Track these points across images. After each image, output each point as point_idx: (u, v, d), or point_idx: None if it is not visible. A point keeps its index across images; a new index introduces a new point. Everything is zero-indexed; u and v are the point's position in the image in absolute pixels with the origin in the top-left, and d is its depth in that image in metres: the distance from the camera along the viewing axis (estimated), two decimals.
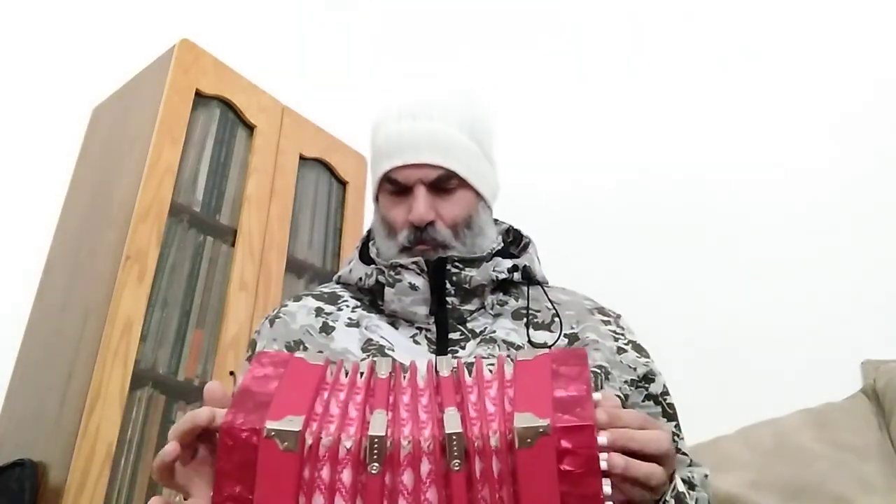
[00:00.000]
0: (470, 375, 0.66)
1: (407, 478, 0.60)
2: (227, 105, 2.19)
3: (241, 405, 0.62)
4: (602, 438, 0.59)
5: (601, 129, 2.27)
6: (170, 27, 2.28)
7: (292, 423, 0.60)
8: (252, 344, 1.03)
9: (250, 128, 2.23)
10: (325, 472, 0.60)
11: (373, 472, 0.59)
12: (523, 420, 0.58)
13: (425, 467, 0.60)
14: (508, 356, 0.83)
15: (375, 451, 0.60)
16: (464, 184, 0.97)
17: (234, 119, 2.21)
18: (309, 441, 0.60)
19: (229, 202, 2.11)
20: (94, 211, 1.96)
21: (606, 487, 0.58)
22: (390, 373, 0.66)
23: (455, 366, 0.66)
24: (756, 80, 2.06)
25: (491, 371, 0.65)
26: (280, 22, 2.89)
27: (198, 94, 2.08)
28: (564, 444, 0.57)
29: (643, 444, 0.63)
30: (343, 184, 2.48)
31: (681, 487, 0.78)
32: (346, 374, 0.68)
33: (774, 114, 1.99)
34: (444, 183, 0.96)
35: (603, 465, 0.58)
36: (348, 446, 0.60)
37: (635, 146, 2.19)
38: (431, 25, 2.83)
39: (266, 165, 2.21)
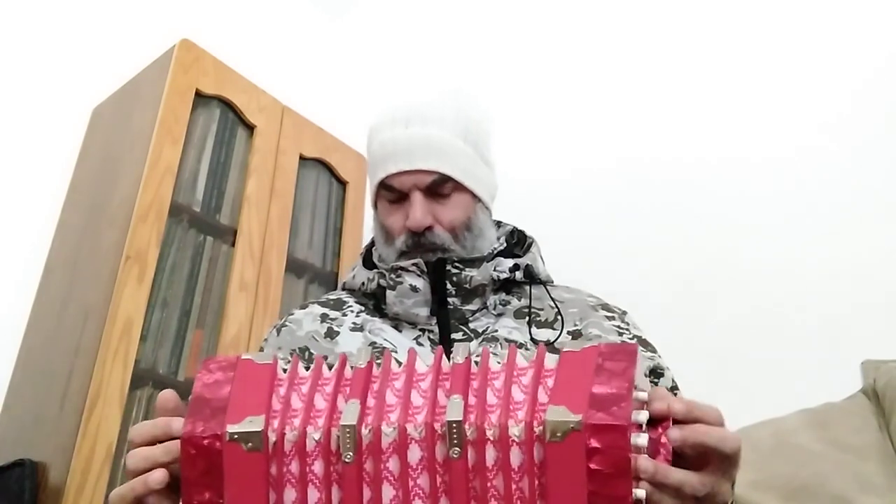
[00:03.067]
0: (499, 363, 0.64)
1: (393, 464, 0.60)
2: (227, 105, 2.19)
3: (198, 413, 0.62)
4: (641, 438, 0.57)
5: (601, 124, 2.27)
6: (170, 27, 2.28)
7: (253, 424, 0.60)
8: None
9: (250, 128, 2.23)
10: (294, 466, 0.61)
11: (346, 460, 0.60)
12: (556, 413, 0.57)
13: (414, 454, 0.60)
14: (523, 347, 0.82)
15: (348, 440, 0.60)
16: (460, 187, 0.97)
17: (234, 119, 2.21)
18: (273, 438, 0.61)
19: (229, 202, 2.11)
20: (94, 211, 1.96)
21: (640, 492, 0.56)
22: (370, 361, 0.66)
23: (476, 353, 0.65)
24: (758, 71, 2.06)
25: (526, 359, 0.64)
26: (280, 22, 2.89)
27: (198, 94, 2.08)
28: (594, 443, 0.56)
29: (717, 443, 0.61)
30: (343, 184, 2.48)
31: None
32: (307, 368, 0.68)
33: (776, 111, 1.99)
34: (440, 187, 0.96)
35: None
36: (317, 438, 0.61)
37: (636, 144, 2.19)
38: (431, 24, 2.83)
39: (266, 165, 2.21)
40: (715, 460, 0.62)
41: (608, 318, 1.00)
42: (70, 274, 1.91)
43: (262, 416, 0.61)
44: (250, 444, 0.60)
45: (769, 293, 1.81)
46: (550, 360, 0.63)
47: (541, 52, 2.51)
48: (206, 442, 0.60)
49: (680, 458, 0.61)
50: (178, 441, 0.62)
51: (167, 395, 0.68)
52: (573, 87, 2.39)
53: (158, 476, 0.62)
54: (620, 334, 0.97)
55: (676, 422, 0.62)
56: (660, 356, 0.98)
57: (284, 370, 0.67)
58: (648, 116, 2.20)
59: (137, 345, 1.74)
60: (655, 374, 0.95)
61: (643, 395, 0.60)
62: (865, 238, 1.74)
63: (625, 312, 1.03)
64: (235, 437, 0.60)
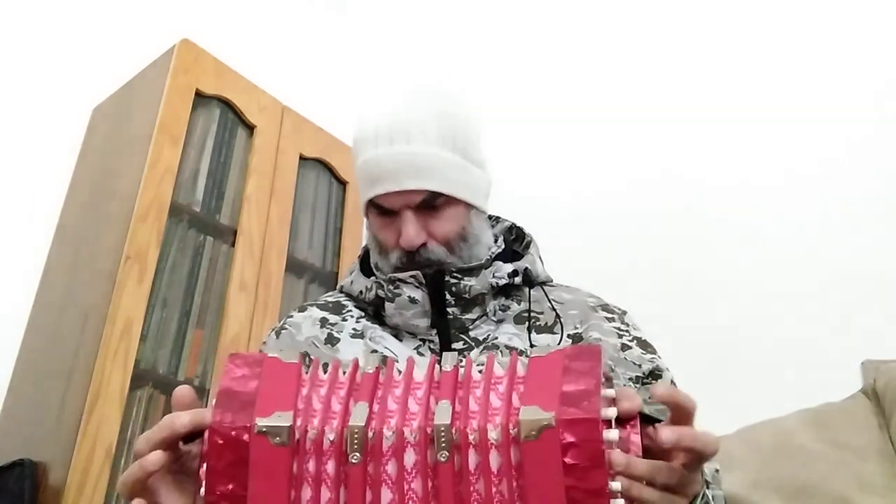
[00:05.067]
0: (480, 372, 0.66)
1: (391, 468, 0.61)
2: (227, 105, 2.19)
3: (226, 405, 0.62)
4: (611, 433, 0.58)
5: (601, 127, 2.27)
6: (170, 27, 2.28)
7: (282, 419, 0.61)
8: None
9: (250, 128, 2.23)
10: (311, 465, 0.62)
11: (353, 461, 0.61)
12: (529, 413, 0.58)
13: (410, 458, 0.61)
14: (524, 354, 0.82)
15: (356, 442, 0.61)
16: (452, 200, 0.95)
17: (234, 119, 2.20)
18: (297, 435, 0.62)
19: (229, 202, 2.11)
20: (94, 211, 1.96)
21: (615, 484, 0.57)
22: (377, 368, 0.67)
23: (461, 362, 0.66)
24: (759, 77, 2.06)
25: (503, 368, 0.66)
26: (280, 22, 2.89)
27: (198, 94, 2.08)
28: (568, 437, 0.57)
29: (703, 447, 0.63)
30: (343, 184, 2.48)
31: (709, 493, 0.76)
32: (325, 370, 0.69)
33: (776, 113, 1.99)
34: (431, 203, 0.94)
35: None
36: (331, 438, 0.62)
37: (635, 145, 2.19)
38: (431, 24, 2.83)
39: (266, 165, 2.21)
40: (691, 457, 0.64)
41: (608, 319, 0.99)
42: (70, 274, 1.91)
43: (291, 412, 0.62)
44: (278, 438, 0.60)
45: (769, 293, 1.81)
46: (521, 367, 0.65)
47: (538, 50, 2.51)
48: (234, 433, 0.60)
49: (648, 453, 0.63)
50: (177, 417, 0.63)
51: (183, 391, 0.67)
52: (573, 83, 2.39)
53: (154, 458, 0.62)
54: (620, 336, 0.97)
55: (644, 419, 0.64)
56: (659, 357, 0.97)
57: (306, 371, 0.68)
58: (643, 117, 2.20)
59: (137, 345, 1.74)
60: (654, 375, 0.94)
61: (611, 393, 0.62)
62: (865, 238, 1.74)
63: (624, 313, 1.03)
64: (264, 430, 0.60)
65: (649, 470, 0.61)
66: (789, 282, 1.80)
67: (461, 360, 0.66)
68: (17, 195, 2.01)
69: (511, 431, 0.59)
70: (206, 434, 0.61)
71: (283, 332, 1.01)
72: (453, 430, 0.60)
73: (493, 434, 0.59)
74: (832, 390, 1.61)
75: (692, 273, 1.94)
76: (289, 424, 0.61)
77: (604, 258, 2.02)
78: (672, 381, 0.96)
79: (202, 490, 0.61)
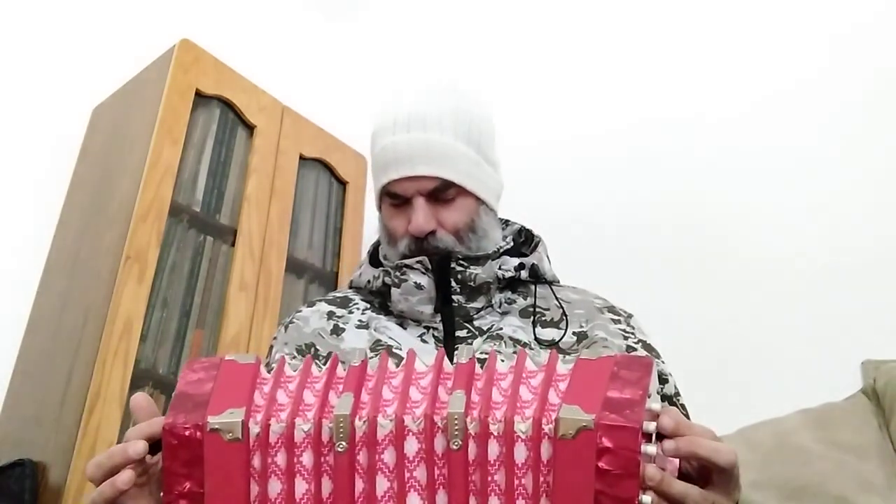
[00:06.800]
0: (503, 361, 0.66)
1: (388, 456, 0.61)
2: (227, 105, 2.19)
3: (180, 407, 0.63)
4: (650, 448, 0.58)
5: (605, 125, 2.27)
6: (170, 27, 2.28)
7: (234, 415, 0.62)
8: (270, 349, 1.06)
9: (250, 128, 2.23)
10: (280, 458, 0.62)
11: (339, 450, 0.61)
12: (569, 412, 0.58)
13: (412, 446, 0.61)
14: (528, 346, 0.82)
15: (341, 430, 0.61)
16: (463, 191, 0.97)
17: (234, 119, 2.20)
18: (256, 430, 0.62)
19: (229, 202, 2.11)
20: (94, 211, 1.96)
21: (646, 497, 0.57)
22: (364, 360, 0.67)
23: (479, 349, 0.66)
24: (759, 63, 2.06)
25: (536, 364, 0.66)
26: (280, 22, 2.89)
27: (198, 94, 2.08)
28: (605, 442, 0.57)
29: (710, 454, 0.62)
30: (343, 184, 2.48)
31: None
32: (294, 368, 0.69)
33: (778, 110, 1.99)
34: (443, 193, 0.96)
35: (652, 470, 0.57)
36: (306, 429, 0.62)
37: (641, 147, 2.19)
38: (431, 24, 2.83)
39: (266, 165, 2.21)
40: (714, 476, 0.63)
41: (614, 321, 0.99)
42: (70, 274, 1.91)
43: (244, 409, 0.62)
44: (231, 434, 0.61)
45: (769, 293, 1.81)
46: (563, 366, 0.64)
47: (540, 50, 2.51)
48: (187, 432, 0.61)
49: (685, 476, 0.63)
50: (140, 441, 0.63)
51: (140, 399, 0.69)
52: (571, 81, 2.39)
53: (125, 476, 0.63)
54: (625, 338, 0.97)
55: None
56: (663, 362, 0.97)
57: (269, 371, 0.68)
58: (653, 119, 2.20)
59: (137, 345, 1.74)
60: (659, 380, 0.94)
61: (656, 407, 0.61)
62: (866, 238, 1.74)
63: (630, 315, 1.03)
64: (216, 427, 0.61)
65: (681, 490, 0.61)
66: (789, 281, 1.80)
67: (475, 350, 0.66)
68: (17, 195, 2.01)
69: (545, 427, 0.59)
70: (162, 437, 0.62)
71: (290, 325, 1.03)
72: (468, 419, 0.60)
73: (521, 426, 0.59)
74: (832, 390, 1.61)
75: (692, 273, 1.94)
76: (240, 420, 0.61)
77: (603, 258, 2.02)
78: (675, 387, 0.96)
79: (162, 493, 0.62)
